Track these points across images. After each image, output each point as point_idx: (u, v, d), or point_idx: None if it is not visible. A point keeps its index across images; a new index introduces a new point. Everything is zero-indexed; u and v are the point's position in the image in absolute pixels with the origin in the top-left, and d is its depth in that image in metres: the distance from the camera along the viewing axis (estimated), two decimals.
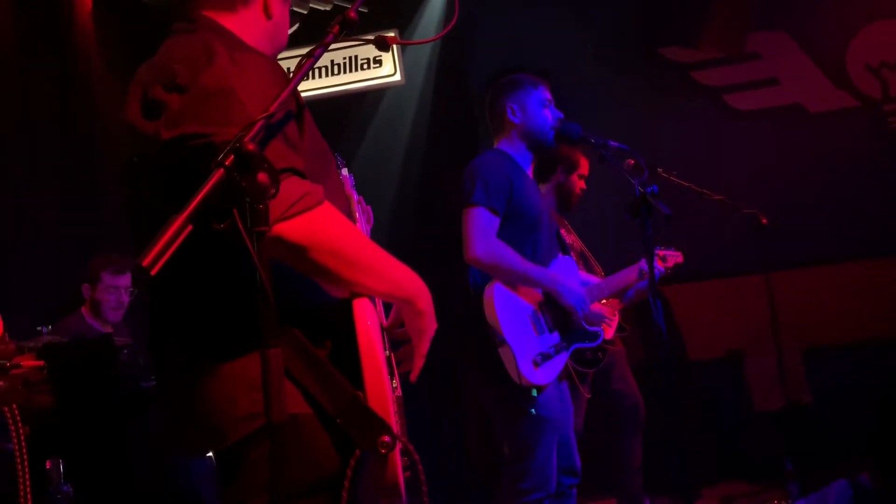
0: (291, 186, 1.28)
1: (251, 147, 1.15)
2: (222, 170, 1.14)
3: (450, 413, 5.24)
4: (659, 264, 4.07)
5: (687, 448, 3.81)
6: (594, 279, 3.73)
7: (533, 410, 2.64)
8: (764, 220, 4.36)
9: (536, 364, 2.70)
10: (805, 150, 5.38)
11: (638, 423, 4.38)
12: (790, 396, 4.51)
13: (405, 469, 1.34)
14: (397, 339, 1.58)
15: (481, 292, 2.75)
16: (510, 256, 2.74)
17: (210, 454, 1.47)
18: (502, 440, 2.81)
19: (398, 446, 1.32)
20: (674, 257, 3.86)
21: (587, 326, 2.97)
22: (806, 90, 5.50)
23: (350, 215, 1.54)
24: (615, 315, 4.03)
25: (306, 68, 1.32)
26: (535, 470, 2.69)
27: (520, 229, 2.82)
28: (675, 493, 4.43)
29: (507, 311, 2.72)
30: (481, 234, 2.72)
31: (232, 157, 1.15)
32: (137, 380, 2.37)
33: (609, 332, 4.00)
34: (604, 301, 3.94)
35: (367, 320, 1.35)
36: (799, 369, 5.06)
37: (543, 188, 4.34)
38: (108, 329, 3.94)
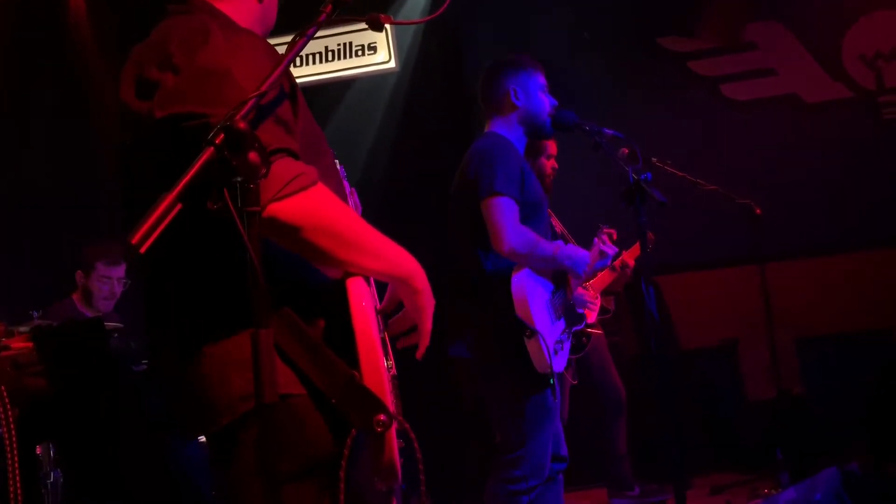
0: (285, 167, 1.28)
1: (242, 125, 1.15)
2: (212, 148, 1.14)
3: (442, 400, 5.24)
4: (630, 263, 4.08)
5: (679, 437, 3.82)
6: None
7: (551, 397, 2.61)
8: (758, 211, 4.37)
9: (556, 351, 2.69)
10: (800, 141, 5.38)
11: (620, 409, 4.39)
12: (782, 386, 4.52)
13: (401, 450, 1.34)
14: (395, 329, 1.58)
15: (505, 281, 2.66)
16: (542, 244, 2.70)
17: (202, 438, 1.46)
18: (500, 428, 2.78)
19: (394, 426, 1.31)
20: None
21: (577, 308, 2.94)
22: (802, 81, 5.50)
23: (344, 199, 1.53)
24: (597, 299, 4.03)
25: (299, 47, 1.31)
26: (531, 457, 2.68)
27: (527, 217, 2.76)
28: (666, 481, 4.45)
29: (537, 299, 2.67)
30: (513, 224, 2.66)
31: (222, 135, 1.14)
32: (129, 364, 2.36)
33: (592, 317, 4.01)
34: (587, 285, 3.94)
35: (362, 300, 1.34)
36: (792, 359, 5.08)
37: None
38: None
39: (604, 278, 4.07)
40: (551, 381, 2.61)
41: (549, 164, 4.24)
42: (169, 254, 1.36)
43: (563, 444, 2.89)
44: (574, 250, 2.78)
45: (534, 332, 2.57)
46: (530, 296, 2.63)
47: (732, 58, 5.57)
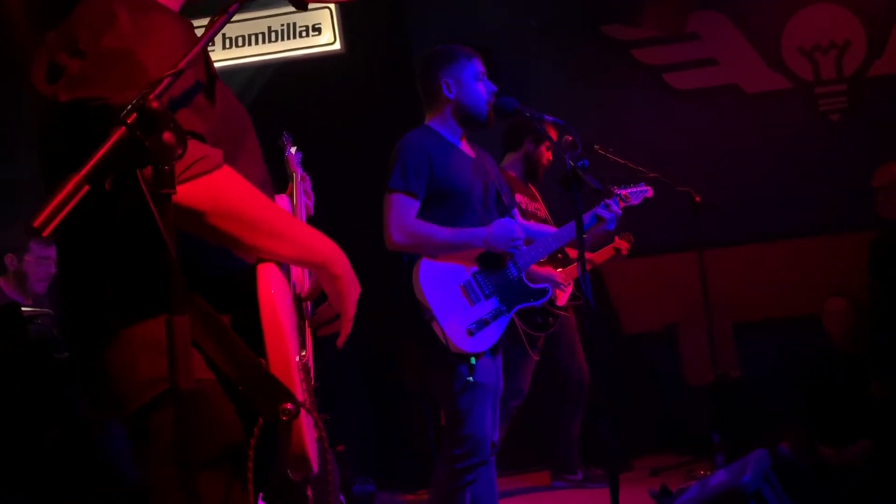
0: (188, 148, 1.24)
1: (155, 105, 1.11)
2: (124, 128, 1.10)
3: (393, 385, 5.24)
4: (625, 246, 4.14)
5: (618, 420, 3.88)
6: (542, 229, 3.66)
7: (471, 378, 2.66)
8: (697, 198, 4.44)
9: (471, 333, 2.71)
10: (740, 131, 5.49)
11: (582, 396, 4.45)
12: (720, 370, 4.63)
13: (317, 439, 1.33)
14: (322, 317, 1.56)
15: (410, 269, 2.76)
16: (427, 231, 2.75)
17: None
18: (442, 408, 2.84)
19: (303, 415, 1.30)
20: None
21: (530, 284, 2.94)
22: (742, 71, 5.61)
23: (266, 186, 1.50)
24: (570, 283, 4.06)
25: (218, 26, 1.28)
26: (468, 436, 2.72)
27: (447, 206, 2.80)
28: (606, 464, 4.52)
29: (435, 285, 2.73)
30: (396, 220, 2.76)
31: (135, 114, 1.11)
32: (52, 351, 2.29)
33: (562, 299, 4.04)
34: (560, 270, 3.97)
35: (272, 287, 1.32)
36: (729, 344, 5.20)
37: (511, 157, 4.34)
38: (27, 301, 3.81)
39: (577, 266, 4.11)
40: (472, 361, 2.67)
41: (547, 156, 4.25)
42: (79, 236, 1.33)
43: (496, 429, 2.91)
44: (486, 230, 2.80)
45: (432, 317, 2.68)
46: (426, 283, 2.73)
47: (675, 47, 5.65)
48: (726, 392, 4.66)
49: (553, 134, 4.15)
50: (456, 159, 2.88)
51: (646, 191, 3.80)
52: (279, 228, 1.37)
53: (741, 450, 3.98)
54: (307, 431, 1.30)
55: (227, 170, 1.31)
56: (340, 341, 1.49)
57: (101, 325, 1.34)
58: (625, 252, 4.22)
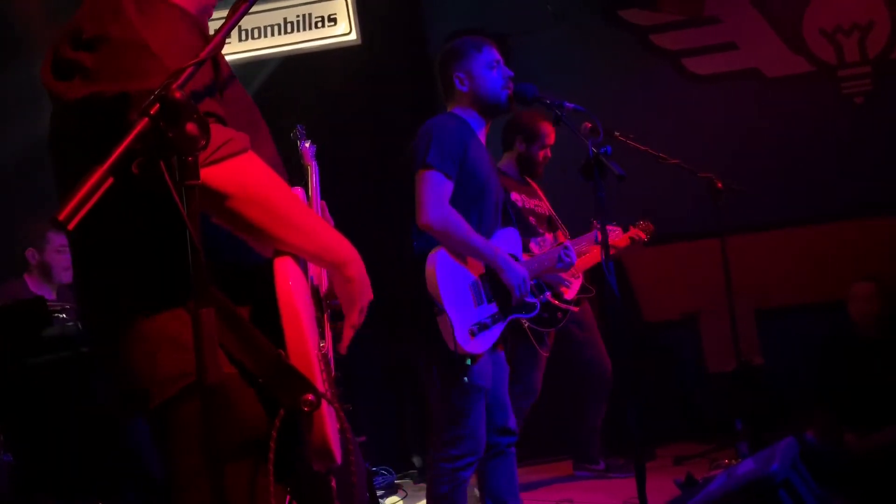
0: (214, 131, 1.23)
1: (178, 95, 1.10)
2: (147, 119, 1.09)
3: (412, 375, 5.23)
4: (642, 236, 4.10)
5: (641, 409, 3.85)
6: (537, 250, 3.70)
7: (466, 379, 2.63)
8: (719, 185, 4.38)
9: (473, 333, 2.68)
10: (761, 115, 5.41)
11: (604, 388, 4.43)
12: (742, 358, 4.58)
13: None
14: (335, 311, 1.54)
15: (424, 258, 2.70)
16: (462, 226, 2.70)
17: None
18: (434, 408, 2.80)
19: (325, 406, 1.28)
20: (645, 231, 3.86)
21: (525, 299, 2.94)
22: (763, 55, 5.52)
23: (282, 175, 1.48)
24: (578, 277, 4.03)
25: (241, 12, 1.26)
26: (466, 436, 2.71)
27: (467, 196, 2.78)
28: (628, 453, 4.49)
29: (449, 279, 2.69)
30: (435, 199, 2.67)
31: (157, 105, 1.09)
32: (77, 343, 2.29)
33: (570, 293, 4.01)
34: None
35: (289, 279, 1.30)
36: (752, 331, 5.14)
37: (506, 157, 4.32)
38: (52, 295, 3.83)
39: (588, 259, 4.08)
40: (467, 362, 2.63)
41: (543, 153, 4.22)
42: (97, 228, 1.30)
43: (510, 416, 2.90)
44: (511, 265, 2.79)
45: (442, 311, 2.61)
46: (442, 275, 2.65)
47: (694, 31, 5.57)
48: (749, 379, 4.62)
49: (548, 132, 4.12)
50: (481, 151, 2.87)
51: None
52: (300, 221, 1.35)
53: (764, 437, 3.95)
54: (329, 422, 1.29)
55: (252, 154, 1.29)
56: (343, 347, 1.47)
57: (117, 319, 1.33)
58: (643, 239, 4.17)
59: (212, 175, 1.22)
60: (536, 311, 2.94)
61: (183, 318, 1.26)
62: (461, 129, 2.83)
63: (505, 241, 2.90)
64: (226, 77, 1.38)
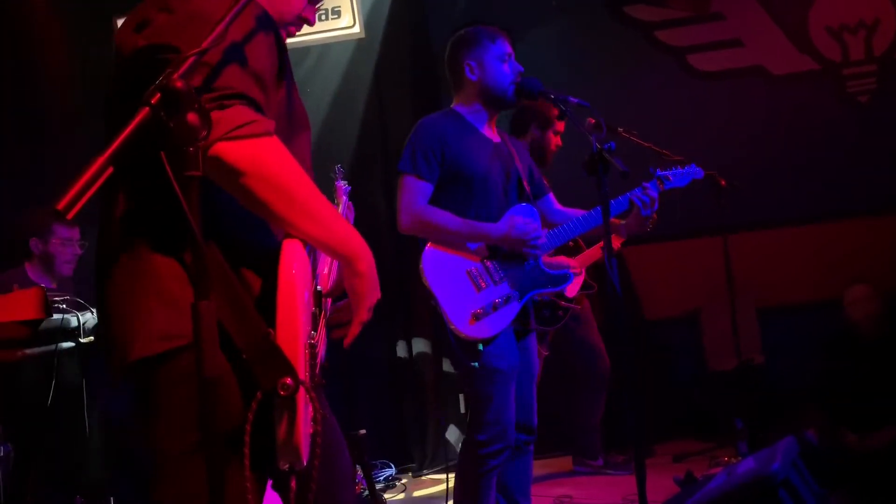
0: (240, 111, 1.26)
1: (179, 84, 1.09)
2: (147, 108, 1.08)
3: (411, 370, 5.23)
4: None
5: (641, 406, 3.85)
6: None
7: (475, 364, 2.64)
8: (723, 182, 4.36)
9: (477, 317, 2.68)
10: (766, 113, 5.40)
11: (603, 384, 4.42)
12: (743, 356, 4.57)
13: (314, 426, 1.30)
14: (338, 317, 1.54)
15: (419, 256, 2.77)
16: (438, 219, 2.73)
17: None
18: (466, 392, 2.83)
19: (301, 402, 1.26)
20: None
21: (548, 270, 2.90)
22: (768, 52, 5.50)
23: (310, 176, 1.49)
24: (581, 272, 4.01)
25: (242, 4, 1.25)
26: (491, 422, 2.70)
27: (460, 191, 2.79)
28: (628, 449, 4.49)
29: (439, 272, 2.73)
30: (406, 203, 2.76)
31: (158, 94, 1.09)
32: (75, 336, 2.28)
33: (573, 290, 3.99)
34: (572, 258, 3.92)
35: (294, 264, 1.30)
36: (753, 329, 5.13)
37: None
38: (52, 285, 3.81)
39: (590, 254, 4.06)
40: (479, 347, 2.66)
41: (555, 141, 4.20)
42: (112, 213, 1.35)
43: (533, 415, 2.89)
44: (503, 229, 2.78)
45: (437, 303, 2.69)
46: (430, 269, 2.72)
47: (700, 28, 5.55)
48: (749, 378, 4.62)
49: (560, 125, 4.09)
50: (473, 143, 2.84)
51: (695, 172, 3.43)
52: (314, 208, 1.35)
53: (764, 436, 3.94)
54: (302, 419, 1.27)
55: (275, 140, 1.30)
56: (347, 342, 1.46)
57: (117, 264, 1.34)
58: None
59: (228, 150, 1.24)
60: (569, 282, 2.91)
61: (179, 273, 1.29)
62: (445, 125, 2.83)
63: (518, 213, 2.86)
64: (287, 75, 1.43)
